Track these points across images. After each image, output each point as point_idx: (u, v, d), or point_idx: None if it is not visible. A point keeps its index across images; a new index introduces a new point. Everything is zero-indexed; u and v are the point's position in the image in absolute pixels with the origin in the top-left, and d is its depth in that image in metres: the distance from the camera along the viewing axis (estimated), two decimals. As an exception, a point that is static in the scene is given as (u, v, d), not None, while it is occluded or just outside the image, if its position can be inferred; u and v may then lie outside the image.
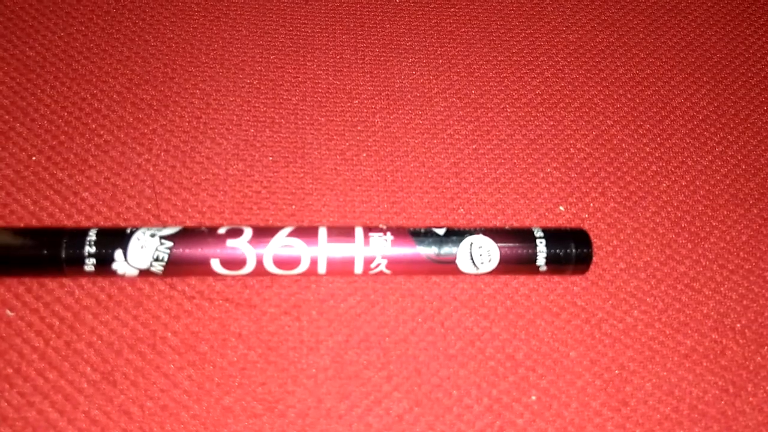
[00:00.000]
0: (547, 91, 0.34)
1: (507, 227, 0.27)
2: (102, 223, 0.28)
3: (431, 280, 0.28)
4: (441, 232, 0.26)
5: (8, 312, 0.25)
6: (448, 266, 0.26)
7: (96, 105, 0.31)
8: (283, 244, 0.25)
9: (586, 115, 0.34)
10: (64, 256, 0.24)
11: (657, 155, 0.33)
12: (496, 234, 0.26)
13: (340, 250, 0.26)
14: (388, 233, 0.26)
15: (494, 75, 0.35)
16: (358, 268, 0.26)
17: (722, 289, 0.29)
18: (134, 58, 0.33)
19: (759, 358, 0.27)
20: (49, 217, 0.28)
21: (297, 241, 0.25)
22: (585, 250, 0.27)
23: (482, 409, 0.25)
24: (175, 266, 0.25)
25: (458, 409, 0.25)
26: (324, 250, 0.25)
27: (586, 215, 0.30)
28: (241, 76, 0.33)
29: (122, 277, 0.25)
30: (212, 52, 0.34)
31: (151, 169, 0.29)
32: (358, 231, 0.26)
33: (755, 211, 0.31)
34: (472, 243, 0.26)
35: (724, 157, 0.33)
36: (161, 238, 0.25)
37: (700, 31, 0.38)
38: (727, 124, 0.34)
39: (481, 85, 0.34)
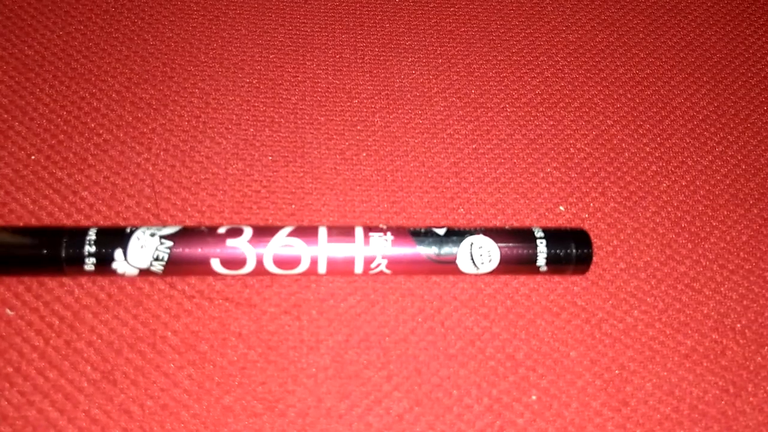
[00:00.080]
0: (547, 90, 0.34)
1: (507, 227, 0.27)
2: (101, 222, 0.28)
3: (431, 280, 0.28)
4: (441, 232, 0.26)
5: (8, 311, 0.25)
6: (449, 266, 0.26)
7: (95, 104, 0.31)
8: (283, 243, 0.25)
9: (586, 114, 0.34)
10: (64, 255, 0.24)
11: (657, 155, 0.33)
12: (496, 234, 0.26)
13: (341, 249, 0.25)
14: (389, 233, 0.26)
15: (494, 75, 0.35)
16: (358, 268, 0.26)
17: (722, 289, 0.29)
18: (133, 57, 0.33)
19: (759, 359, 0.27)
20: (49, 216, 0.28)
21: (297, 241, 0.25)
22: (585, 251, 0.27)
23: (482, 409, 0.25)
24: (175, 266, 0.25)
25: (458, 408, 0.25)
26: (324, 249, 0.25)
27: (586, 215, 0.30)
28: (240, 75, 0.33)
29: (122, 276, 0.25)
30: (211, 51, 0.34)
31: (151, 168, 0.29)
32: (358, 231, 0.26)
33: (755, 211, 0.31)
34: (472, 243, 0.26)
35: (724, 157, 0.33)
36: (161, 237, 0.25)
37: (700, 31, 0.38)
38: (727, 124, 0.34)
39: (480, 85, 0.34)
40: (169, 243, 0.25)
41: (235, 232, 0.25)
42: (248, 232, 0.25)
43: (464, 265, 0.26)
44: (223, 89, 0.32)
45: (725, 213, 0.31)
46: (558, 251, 0.26)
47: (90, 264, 0.25)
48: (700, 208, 0.31)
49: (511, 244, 0.26)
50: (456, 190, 0.30)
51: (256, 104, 0.32)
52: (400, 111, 0.33)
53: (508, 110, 0.33)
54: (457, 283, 0.28)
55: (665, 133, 0.33)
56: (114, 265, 0.25)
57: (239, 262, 0.25)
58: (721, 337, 0.27)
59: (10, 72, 0.32)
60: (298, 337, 0.26)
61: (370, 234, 0.26)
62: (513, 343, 0.26)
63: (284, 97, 0.33)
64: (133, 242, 0.25)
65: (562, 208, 0.30)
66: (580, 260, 0.27)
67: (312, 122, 0.32)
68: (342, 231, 0.26)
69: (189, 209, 0.28)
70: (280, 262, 0.25)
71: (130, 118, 0.31)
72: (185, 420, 0.24)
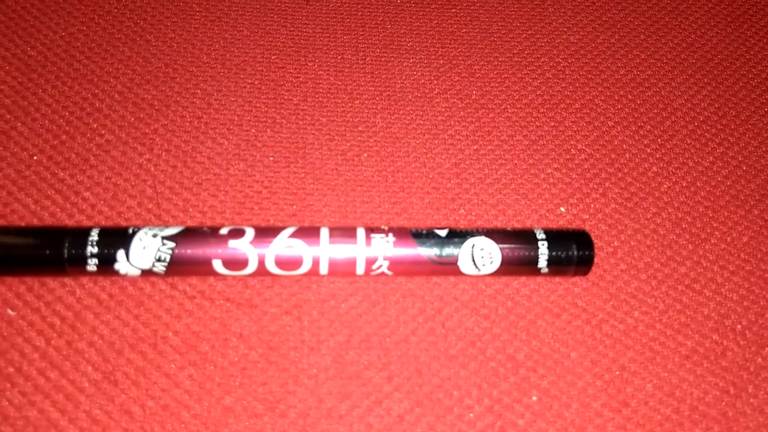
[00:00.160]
0: (549, 91, 0.34)
1: (509, 228, 0.27)
2: (103, 222, 0.28)
3: (432, 281, 0.28)
4: (443, 233, 0.26)
5: (9, 311, 0.25)
6: (450, 268, 0.26)
7: (97, 105, 0.31)
8: (285, 244, 0.25)
9: (587, 116, 0.34)
10: (66, 256, 0.24)
11: (658, 156, 0.33)
12: (497, 236, 0.26)
13: (342, 251, 0.26)
14: (390, 234, 0.26)
15: (495, 76, 0.35)
16: (360, 269, 0.26)
17: (723, 290, 0.29)
18: (136, 58, 0.33)
19: (760, 360, 0.27)
20: (51, 217, 0.28)
21: (299, 242, 0.25)
22: (586, 253, 0.27)
23: (483, 410, 0.25)
24: (177, 266, 0.25)
25: (459, 409, 0.25)
26: (326, 250, 0.25)
27: (587, 216, 0.30)
28: (242, 76, 0.33)
29: (124, 276, 0.25)
30: (213, 52, 0.34)
31: (153, 168, 0.30)
32: (360, 232, 0.26)
33: (756, 212, 0.31)
34: (473, 245, 0.26)
35: (725, 159, 0.33)
36: (163, 238, 0.25)
37: (701, 33, 0.38)
38: (728, 125, 0.34)
39: (482, 86, 0.34)
40: (171, 244, 0.25)
41: (237, 233, 0.25)
42: (250, 233, 0.25)
43: (465, 266, 0.26)
44: (225, 90, 0.32)
45: (726, 214, 0.31)
46: (559, 253, 0.26)
47: (92, 264, 0.25)
48: (701, 210, 0.31)
49: (512, 246, 0.26)
50: (457, 191, 0.30)
51: (258, 105, 0.32)
52: (401, 112, 0.33)
53: (510, 111, 0.33)
54: (458, 284, 0.28)
55: (666, 134, 0.33)
56: (116, 266, 0.25)
57: (241, 263, 0.25)
58: (722, 338, 0.27)
59: (13, 72, 0.32)
60: (299, 338, 0.26)
61: (372, 235, 0.26)
62: (514, 344, 0.26)
63: (286, 98, 0.33)
64: (136, 243, 0.25)
65: (563, 209, 0.30)
66: (582, 262, 0.27)
67: (313, 123, 0.32)
68: (344, 232, 0.26)
69: (191, 210, 0.29)
70: (281, 263, 0.25)
71: (132, 119, 0.31)
72: (186, 420, 0.24)
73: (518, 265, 0.26)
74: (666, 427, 0.25)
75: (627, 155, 0.32)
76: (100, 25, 0.34)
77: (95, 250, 0.24)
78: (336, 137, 0.31)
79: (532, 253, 0.26)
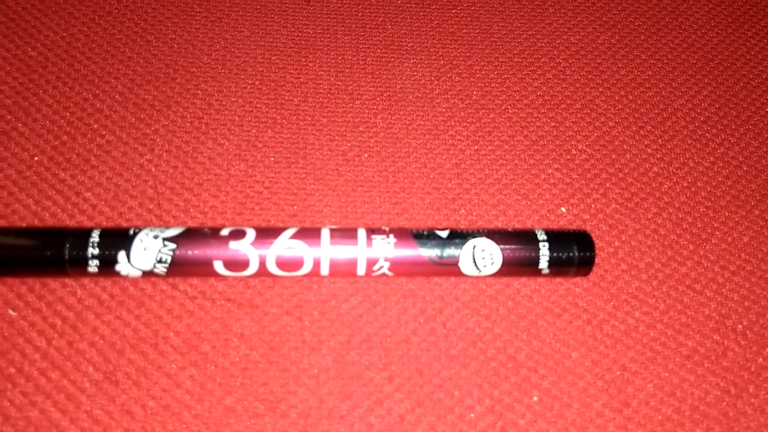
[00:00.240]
0: (549, 92, 0.34)
1: (510, 229, 0.27)
2: (104, 223, 0.28)
3: (433, 281, 0.28)
4: (444, 234, 0.26)
5: (10, 311, 0.25)
6: (451, 269, 0.26)
7: (98, 105, 0.31)
8: (286, 246, 0.25)
9: (588, 116, 0.34)
10: (67, 257, 0.24)
11: (659, 156, 0.33)
12: (498, 237, 0.26)
13: (343, 252, 0.26)
14: (391, 235, 0.26)
15: (496, 76, 0.35)
16: (361, 270, 0.26)
17: (724, 290, 0.29)
18: (136, 59, 0.33)
19: (761, 360, 0.27)
20: (52, 217, 0.28)
21: (300, 243, 0.25)
22: (588, 254, 0.27)
23: (484, 410, 0.25)
24: (178, 268, 0.25)
25: (460, 409, 0.25)
26: (327, 252, 0.25)
27: (588, 216, 0.30)
28: (243, 76, 0.33)
29: (125, 278, 0.25)
30: (214, 52, 0.34)
31: (153, 169, 0.30)
32: (361, 233, 0.26)
33: (757, 212, 0.31)
34: (475, 246, 0.26)
35: (726, 159, 0.33)
36: (164, 239, 0.25)
37: (702, 33, 0.38)
38: (729, 125, 0.34)
39: (482, 86, 0.34)
40: (172, 245, 0.25)
41: (238, 234, 0.25)
42: (251, 234, 0.25)
43: (466, 267, 0.26)
44: (225, 90, 0.32)
45: (727, 214, 0.31)
46: (560, 254, 0.26)
47: (93, 266, 0.25)
48: (702, 210, 0.31)
49: (513, 247, 0.26)
50: (458, 191, 0.30)
51: (259, 105, 0.32)
52: (402, 112, 0.33)
53: (510, 111, 0.33)
54: (459, 284, 0.28)
55: (667, 135, 0.33)
56: (117, 267, 0.25)
57: (242, 265, 0.25)
58: (723, 338, 0.27)
59: (14, 73, 0.32)
60: (299, 338, 0.26)
61: (373, 236, 0.26)
62: (514, 344, 0.26)
63: (286, 98, 0.33)
64: (137, 244, 0.25)
65: (563, 209, 0.30)
66: (583, 263, 0.27)
67: (314, 123, 0.32)
68: (345, 233, 0.26)
69: (191, 210, 0.29)
70: (282, 264, 0.25)
71: (133, 120, 0.31)
72: (187, 420, 0.24)
73: (519, 266, 0.26)
74: (667, 428, 0.25)
75: (628, 155, 0.32)
76: (101, 26, 0.34)
77: (96, 251, 0.24)
78: (337, 137, 0.31)
79: (533, 254, 0.26)
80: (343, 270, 0.26)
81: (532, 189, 0.31)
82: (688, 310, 0.28)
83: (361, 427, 0.24)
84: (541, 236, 0.27)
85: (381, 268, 0.26)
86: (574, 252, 0.27)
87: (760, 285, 0.29)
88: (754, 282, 0.29)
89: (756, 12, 0.40)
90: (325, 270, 0.26)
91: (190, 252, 0.25)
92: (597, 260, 0.28)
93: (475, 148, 0.32)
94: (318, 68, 0.34)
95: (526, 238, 0.27)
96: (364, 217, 0.29)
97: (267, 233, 0.26)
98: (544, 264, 0.26)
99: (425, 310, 0.27)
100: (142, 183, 0.29)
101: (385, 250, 0.26)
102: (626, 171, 0.32)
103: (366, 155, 0.31)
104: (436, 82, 0.34)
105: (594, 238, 0.28)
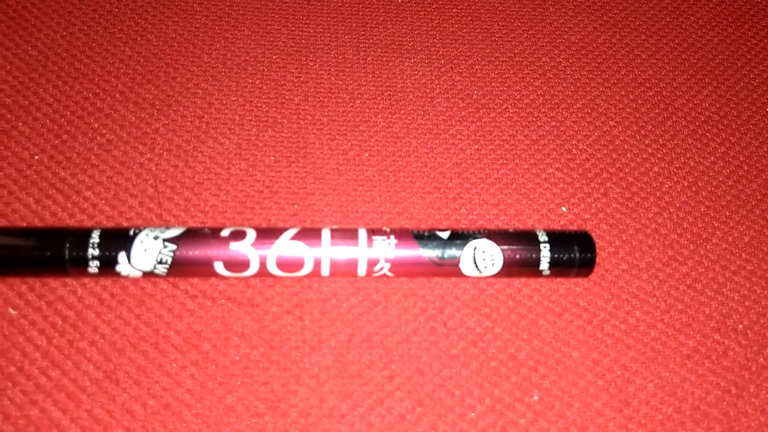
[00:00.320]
0: (550, 91, 0.34)
1: (511, 230, 0.27)
2: (104, 222, 0.28)
3: (433, 281, 0.28)
4: (444, 235, 0.26)
5: (11, 310, 0.25)
6: (451, 270, 0.26)
7: (98, 104, 0.31)
8: (286, 246, 0.25)
9: (589, 116, 0.34)
10: (67, 257, 0.24)
11: (659, 156, 0.33)
12: (499, 238, 0.26)
13: (344, 252, 0.26)
14: (392, 236, 0.26)
15: (496, 75, 0.35)
16: (362, 271, 0.26)
17: (724, 290, 0.29)
18: (137, 58, 0.33)
19: (761, 359, 0.27)
20: (52, 216, 0.28)
21: (300, 244, 0.25)
22: (589, 255, 0.27)
23: (484, 409, 0.25)
24: (178, 268, 0.25)
25: (460, 409, 0.25)
26: (327, 252, 0.25)
27: (588, 216, 0.30)
28: (243, 75, 0.33)
29: (125, 278, 0.25)
30: (214, 51, 0.34)
31: (154, 168, 0.29)
32: (362, 233, 0.26)
33: (757, 212, 0.31)
34: (475, 247, 0.26)
35: (727, 158, 0.33)
36: (165, 240, 0.25)
37: (702, 33, 0.38)
38: (730, 125, 0.34)
39: (483, 86, 0.34)
40: (173, 246, 0.25)
41: (239, 234, 0.25)
42: (251, 234, 0.25)
43: (467, 268, 0.26)
44: (226, 90, 0.32)
45: (727, 214, 0.31)
46: (561, 255, 0.26)
47: (93, 267, 0.25)
48: (703, 209, 0.31)
49: (514, 248, 0.26)
50: (458, 191, 0.30)
51: (259, 105, 0.32)
52: (402, 112, 0.33)
53: (511, 111, 0.33)
54: (459, 284, 0.28)
55: (667, 135, 0.33)
56: (118, 268, 0.25)
57: (243, 265, 0.25)
58: (723, 338, 0.27)
59: (14, 72, 0.32)
60: (300, 337, 0.26)
61: (374, 237, 0.26)
62: (515, 344, 0.26)
63: (287, 97, 0.33)
64: (137, 245, 0.25)
65: (564, 209, 0.30)
66: (584, 264, 0.27)
67: (314, 123, 0.32)
68: (345, 234, 0.26)
69: (192, 209, 0.29)
70: (283, 265, 0.25)
71: (134, 119, 0.31)
72: (187, 420, 0.24)
73: (520, 267, 0.26)
74: (667, 427, 0.25)
75: (628, 155, 0.32)
76: (101, 25, 0.34)
77: (96, 252, 0.24)
78: (337, 137, 0.31)
79: (534, 255, 0.26)
80: (344, 271, 0.26)
81: (533, 189, 0.31)
82: (689, 309, 0.28)
83: (361, 427, 0.24)
84: (542, 237, 0.27)
85: (381, 269, 0.26)
86: (575, 253, 0.27)
87: (761, 285, 0.29)
88: (755, 282, 0.29)
89: (756, 12, 0.40)
90: (325, 271, 0.26)
91: (190, 253, 0.25)
92: (598, 260, 0.28)
93: (476, 147, 0.32)
94: (318, 67, 0.34)
95: (527, 239, 0.27)
96: (364, 216, 0.29)
97: (267, 234, 0.26)
98: (545, 265, 0.26)
99: (426, 309, 0.27)
100: (142, 182, 0.29)
101: (385, 250, 0.26)
102: (627, 171, 0.32)
103: (366, 155, 0.31)
104: (436, 81, 0.34)
105: (594, 238, 0.28)
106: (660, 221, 0.30)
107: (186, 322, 0.26)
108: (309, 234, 0.26)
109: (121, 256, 0.25)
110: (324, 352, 0.26)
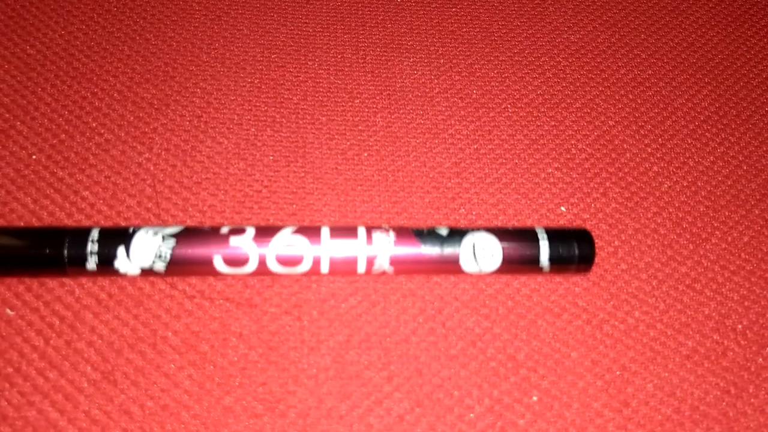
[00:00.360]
0: (549, 91, 0.34)
1: (510, 227, 0.27)
2: (103, 222, 0.28)
3: (432, 280, 0.28)
4: (444, 231, 0.26)
5: (8, 311, 0.25)
6: (451, 265, 0.26)
7: (97, 104, 0.31)
8: (286, 242, 0.25)
9: (588, 115, 0.34)
10: (66, 255, 0.24)
11: (659, 156, 0.33)
12: (499, 233, 0.26)
13: (343, 249, 0.25)
14: (391, 232, 0.26)
15: (496, 75, 0.35)
16: (361, 267, 0.26)
17: (724, 290, 0.29)
18: (135, 57, 0.33)
19: (760, 360, 0.27)
20: (50, 216, 0.28)
21: (300, 240, 0.25)
22: (588, 250, 0.27)
23: (483, 410, 0.25)
24: (177, 264, 0.25)
25: (459, 409, 0.25)
26: (327, 248, 0.25)
27: (588, 216, 0.30)
28: (242, 75, 0.33)
29: (124, 276, 0.25)
30: (213, 51, 0.34)
31: (152, 168, 0.29)
32: (361, 230, 0.26)
33: (757, 212, 0.31)
34: (475, 242, 0.26)
35: (726, 158, 0.33)
36: (164, 236, 0.25)
37: (702, 32, 0.38)
38: (729, 125, 0.34)
39: (482, 85, 0.34)
40: (172, 241, 0.25)
41: (238, 230, 0.25)
42: (251, 230, 0.25)
43: (467, 264, 0.26)
44: (224, 89, 0.32)
45: (727, 214, 0.31)
46: (561, 250, 0.26)
47: (93, 263, 0.24)
48: (702, 209, 0.31)
49: (513, 243, 0.26)
50: (457, 191, 0.30)
51: (258, 104, 0.32)
52: (401, 111, 0.33)
53: (510, 110, 0.33)
54: (459, 283, 0.28)
55: (667, 134, 0.33)
56: (117, 264, 0.25)
57: (242, 261, 0.25)
58: (723, 338, 0.27)
59: (12, 71, 0.32)
60: (298, 338, 0.26)
61: (373, 233, 0.26)
62: (514, 344, 0.26)
63: (286, 97, 0.33)
64: (136, 241, 0.25)
65: (563, 208, 0.30)
66: (583, 260, 0.27)
67: (313, 122, 0.32)
68: (345, 230, 0.26)
69: (190, 209, 0.28)
70: (283, 261, 0.25)
71: (132, 118, 0.31)
72: (185, 420, 0.24)
73: (519, 263, 0.26)
74: (667, 427, 0.25)
75: (627, 155, 0.32)
76: (100, 24, 0.34)
77: (95, 248, 0.24)
78: (336, 136, 0.31)
79: (534, 251, 0.26)
80: (343, 267, 0.26)
81: (532, 188, 0.31)
82: (688, 309, 0.28)
83: (360, 427, 0.24)
84: (542, 233, 0.27)
85: (381, 265, 0.26)
86: (575, 248, 0.27)
87: (760, 285, 0.29)
88: (754, 282, 0.29)
89: (756, 12, 0.40)
90: (325, 267, 0.26)
91: (189, 248, 0.25)
92: (597, 260, 0.28)
93: (475, 147, 0.32)
94: (317, 67, 0.34)
95: (527, 234, 0.27)
96: (363, 216, 0.29)
97: (267, 230, 0.25)
98: (544, 260, 0.26)
99: (425, 309, 0.27)
100: (140, 182, 0.29)
101: (385, 247, 0.26)
102: (626, 170, 0.32)
103: (365, 154, 0.31)
104: (435, 80, 0.34)
105: (594, 238, 0.28)
106: (659, 221, 0.30)
107: (184, 323, 0.26)
108: (309, 230, 0.26)
109: (120, 251, 0.25)
110: (322, 353, 0.26)
